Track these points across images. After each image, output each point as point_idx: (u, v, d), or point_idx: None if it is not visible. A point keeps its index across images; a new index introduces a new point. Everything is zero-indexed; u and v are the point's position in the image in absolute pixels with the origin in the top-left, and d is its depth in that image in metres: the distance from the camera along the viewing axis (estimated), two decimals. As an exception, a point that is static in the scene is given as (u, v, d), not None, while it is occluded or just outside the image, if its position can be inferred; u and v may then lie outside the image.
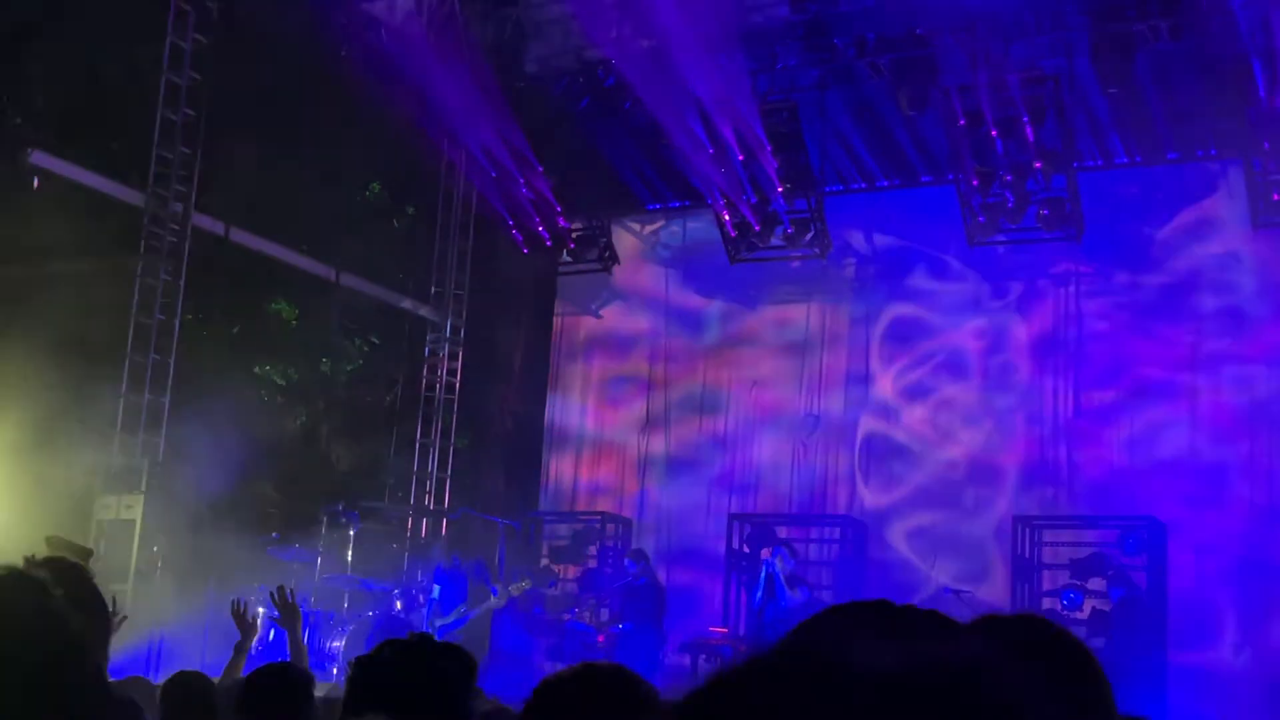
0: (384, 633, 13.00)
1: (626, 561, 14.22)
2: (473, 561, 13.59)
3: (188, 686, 4.90)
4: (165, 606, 12.35)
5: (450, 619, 12.98)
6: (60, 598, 2.34)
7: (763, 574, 13.03)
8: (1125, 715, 2.14)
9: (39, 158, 12.94)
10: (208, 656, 11.25)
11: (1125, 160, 14.92)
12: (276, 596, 6.55)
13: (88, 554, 6.50)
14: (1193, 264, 14.23)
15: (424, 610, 13.44)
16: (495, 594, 13.18)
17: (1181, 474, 13.65)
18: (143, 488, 13.29)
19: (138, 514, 13.15)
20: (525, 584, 13.22)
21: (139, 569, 12.89)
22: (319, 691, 4.63)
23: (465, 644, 12.10)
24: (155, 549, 12.88)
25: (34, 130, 13.01)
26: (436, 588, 13.25)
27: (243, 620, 6.53)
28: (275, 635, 12.83)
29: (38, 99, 13.32)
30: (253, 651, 12.13)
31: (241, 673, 6.05)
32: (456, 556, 13.51)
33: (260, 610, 12.53)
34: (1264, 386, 13.59)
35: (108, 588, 4.22)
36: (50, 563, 2.77)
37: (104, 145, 13.88)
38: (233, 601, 6.66)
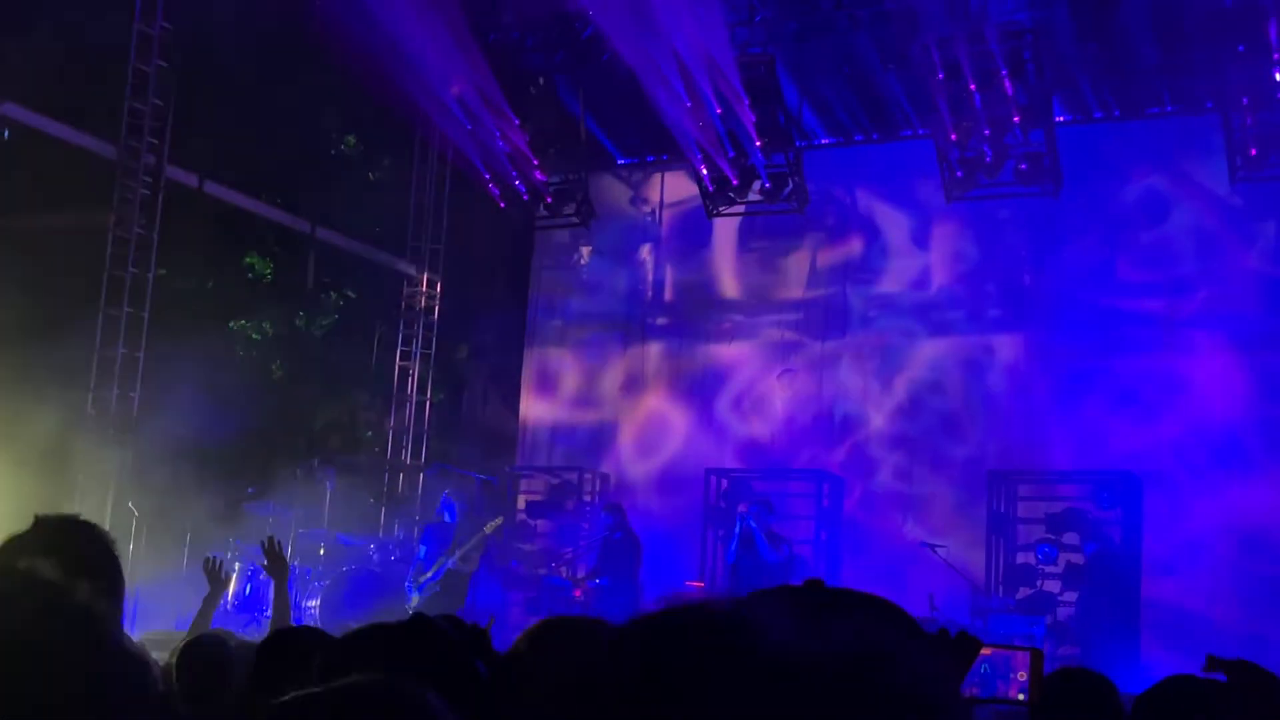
0: (359, 587, 13.02)
1: (602, 515, 14.24)
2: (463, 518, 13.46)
3: (204, 649, 4.85)
4: (140, 561, 12.33)
5: (430, 573, 12.96)
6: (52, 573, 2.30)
7: (737, 528, 13.06)
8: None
9: (9, 109, 12.80)
10: (183, 611, 11.23)
11: (1103, 115, 14.91)
12: (267, 545, 6.51)
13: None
14: (1170, 219, 14.25)
15: (410, 567, 13.38)
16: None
17: (1157, 428, 13.71)
18: (117, 443, 13.23)
19: (112, 469, 13.10)
20: (499, 521, 13.15)
21: (113, 524, 12.85)
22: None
23: (443, 598, 12.09)
24: (130, 504, 12.83)
25: (4, 82, 12.84)
26: (422, 548, 13.19)
27: (215, 575, 6.50)
28: (251, 590, 12.85)
29: (8, 50, 13.14)
30: (229, 606, 12.16)
31: (209, 627, 6.02)
32: (451, 499, 13.31)
33: (237, 565, 12.55)
34: (1240, 340, 13.64)
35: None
36: (52, 521, 2.68)
37: (75, 97, 13.71)
38: (206, 558, 6.63)
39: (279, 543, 6.55)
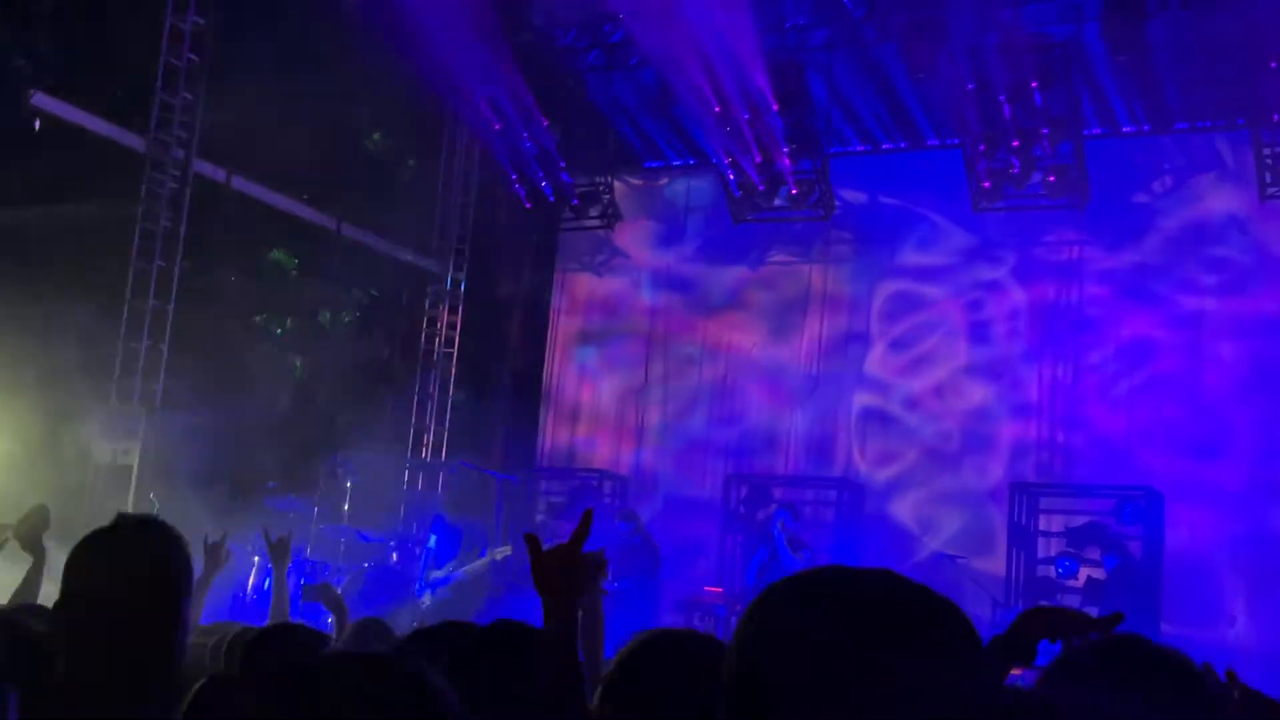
0: (378, 584, 13.04)
1: (618, 522, 14.19)
2: (476, 521, 13.57)
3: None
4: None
5: (442, 573, 12.99)
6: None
7: (774, 541, 13.05)
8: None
9: (41, 100, 12.85)
10: (204, 604, 11.24)
11: (1132, 129, 14.84)
12: (267, 535, 6.55)
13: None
14: (1197, 235, 14.18)
15: (419, 561, 13.44)
16: (484, 555, 13.16)
17: (1180, 444, 13.64)
18: (140, 434, 13.27)
19: (134, 460, 13.14)
20: (506, 550, 13.20)
21: (135, 515, 12.86)
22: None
23: (460, 600, 12.10)
24: (152, 496, 12.87)
25: (36, 72, 12.90)
26: (433, 538, 13.25)
27: (212, 553, 6.32)
28: (270, 584, 12.86)
29: (41, 40, 13.21)
30: (248, 598, 12.18)
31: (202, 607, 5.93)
32: (464, 516, 13.49)
33: (256, 559, 12.57)
34: (1265, 358, 13.57)
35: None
36: (133, 521, 2.73)
37: (106, 89, 13.77)
38: (205, 536, 6.45)
39: (284, 536, 6.57)
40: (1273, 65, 12.53)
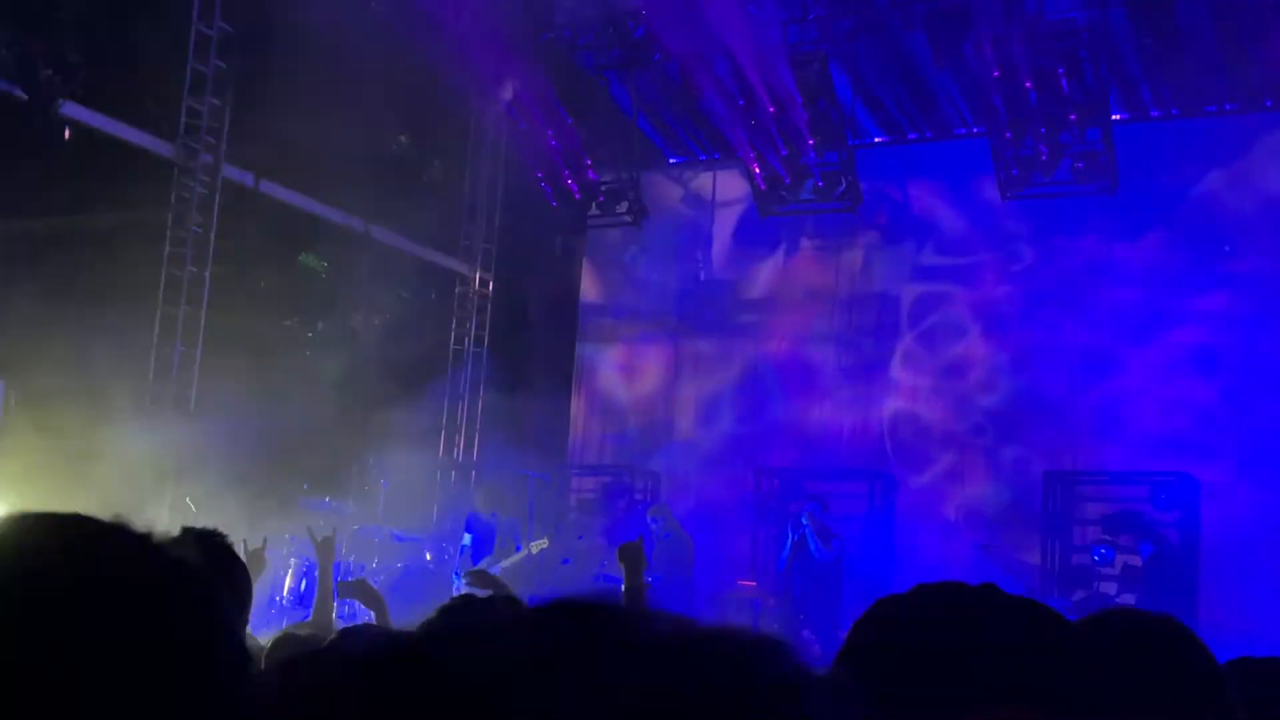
0: (413, 584, 13.09)
1: (649, 518, 14.20)
2: (509, 519, 13.58)
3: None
4: (197, 557, 12.37)
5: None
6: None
7: (793, 536, 13.03)
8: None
9: (69, 109, 12.94)
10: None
11: (1160, 113, 14.75)
12: (312, 534, 6.57)
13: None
14: (1229, 218, 14.07)
15: (454, 559, 13.49)
16: (519, 550, 13.17)
17: (1215, 430, 13.54)
18: (175, 439, 13.35)
19: (170, 465, 13.22)
20: (543, 543, 13.20)
21: (170, 519, 12.97)
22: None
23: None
24: (188, 500, 12.95)
25: (64, 81, 12.98)
26: (468, 536, 13.29)
27: (254, 558, 6.32)
28: (307, 585, 12.95)
29: (68, 50, 13.29)
30: (285, 602, 12.25)
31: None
32: (496, 511, 13.51)
33: (292, 561, 12.64)
34: (1299, 342, 13.47)
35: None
36: (194, 532, 2.81)
37: (134, 96, 13.85)
38: (244, 541, 6.46)
39: (329, 535, 6.61)
40: (1301, 45, 12.44)
